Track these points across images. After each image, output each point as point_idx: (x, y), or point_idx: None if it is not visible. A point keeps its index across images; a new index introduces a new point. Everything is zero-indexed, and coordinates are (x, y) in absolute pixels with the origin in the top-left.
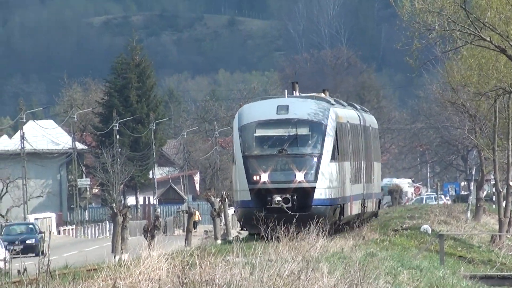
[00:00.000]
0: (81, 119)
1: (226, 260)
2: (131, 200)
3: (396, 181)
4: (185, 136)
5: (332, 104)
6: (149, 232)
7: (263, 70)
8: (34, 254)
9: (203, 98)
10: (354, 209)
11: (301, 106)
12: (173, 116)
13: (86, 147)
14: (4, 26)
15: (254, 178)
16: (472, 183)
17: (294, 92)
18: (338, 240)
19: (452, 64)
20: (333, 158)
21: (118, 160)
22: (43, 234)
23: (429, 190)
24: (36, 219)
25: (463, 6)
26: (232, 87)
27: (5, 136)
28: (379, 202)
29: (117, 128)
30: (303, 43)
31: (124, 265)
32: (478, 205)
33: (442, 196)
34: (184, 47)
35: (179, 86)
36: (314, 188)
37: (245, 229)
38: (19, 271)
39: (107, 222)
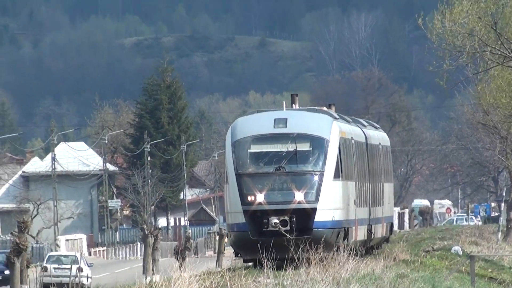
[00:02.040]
0: (112, 140)
1: (257, 282)
2: (162, 222)
3: (425, 202)
4: (216, 158)
5: (336, 118)
6: (180, 253)
7: (294, 92)
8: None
9: (234, 119)
10: (359, 234)
11: (301, 120)
12: (204, 138)
13: (117, 168)
14: (36, 47)
15: (249, 198)
16: (503, 204)
17: (293, 105)
18: (368, 261)
19: (483, 86)
20: (336, 176)
21: (149, 181)
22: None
23: (459, 211)
24: (67, 240)
25: (494, 28)
26: (263, 108)
27: (36, 158)
28: (391, 226)
29: (148, 149)
30: (334, 64)
31: (155, 286)
32: (509, 226)
33: (473, 217)
34: (215, 68)
35: (210, 107)
36: (315, 209)
37: (239, 255)
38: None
39: (138, 243)
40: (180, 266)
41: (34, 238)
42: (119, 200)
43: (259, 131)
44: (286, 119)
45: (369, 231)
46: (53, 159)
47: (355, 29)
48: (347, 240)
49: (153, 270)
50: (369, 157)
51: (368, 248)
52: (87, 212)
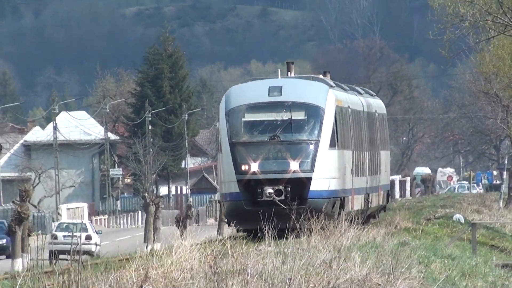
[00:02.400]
0: (114, 109)
1: (258, 250)
2: (163, 190)
3: (426, 170)
4: (218, 126)
5: (332, 86)
6: (181, 221)
7: (295, 61)
8: (4, 257)
9: None
10: (356, 203)
11: (296, 88)
12: (206, 107)
13: (119, 137)
14: (37, 17)
15: (243, 167)
16: (505, 172)
17: (289, 73)
18: (369, 229)
19: (484, 54)
20: (332, 145)
21: (151, 150)
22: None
23: (461, 179)
24: (68, 209)
25: None
26: (265, 77)
27: (37, 127)
28: (388, 194)
29: (150, 118)
30: (335, 33)
31: (156, 255)
32: (511, 194)
33: (475, 185)
34: (217, 38)
35: (212, 76)
36: (310, 178)
37: (232, 225)
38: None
39: (140, 212)
40: (181, 234)
41: (35, 207)
42: (121, 169)
43: (253, 100)
44: (281, 87)
45: (366, 200)
46: (55, 128)
47: None
48: (343, 210)
49: (154, 238)
50: (366, 125)
51: (366, 217)
52: (89, 181)
